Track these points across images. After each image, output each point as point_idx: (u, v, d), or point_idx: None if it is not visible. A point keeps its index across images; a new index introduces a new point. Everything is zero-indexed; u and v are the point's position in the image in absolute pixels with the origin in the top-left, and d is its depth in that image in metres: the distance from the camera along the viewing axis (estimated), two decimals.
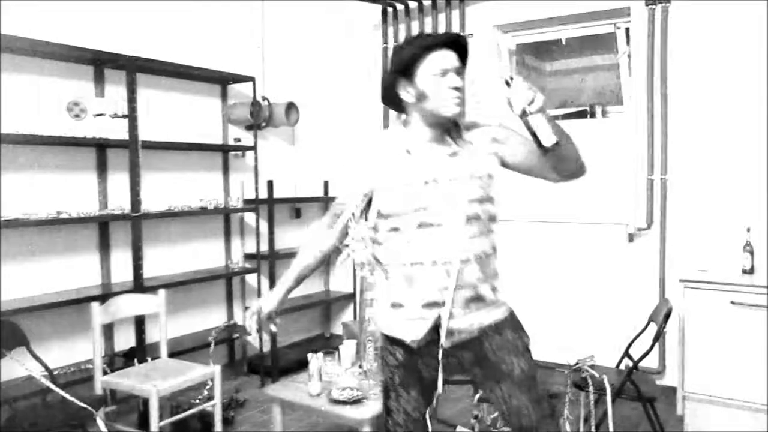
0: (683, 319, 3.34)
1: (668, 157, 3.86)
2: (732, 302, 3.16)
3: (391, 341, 1.92)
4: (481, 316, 1.84)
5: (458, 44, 1.82)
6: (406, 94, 1.82)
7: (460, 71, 1.81)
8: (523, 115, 1.64)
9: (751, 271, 3.36)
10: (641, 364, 2.99)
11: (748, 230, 3.44)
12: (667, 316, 2.94)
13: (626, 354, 3.19)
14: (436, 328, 1.82)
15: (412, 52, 1.78)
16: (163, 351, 3.41)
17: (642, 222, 3.93)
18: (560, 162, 1.76)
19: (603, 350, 3.42)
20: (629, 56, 4.06)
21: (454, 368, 1.92)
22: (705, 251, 3.71)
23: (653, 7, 3.83)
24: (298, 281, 2.04)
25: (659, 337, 2.89)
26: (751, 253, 3.39)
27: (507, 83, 1.66)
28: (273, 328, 2.02)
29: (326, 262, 2.10)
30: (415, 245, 1.80)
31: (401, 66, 1.80)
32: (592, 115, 4.36)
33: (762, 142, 3.56)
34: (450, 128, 1.88)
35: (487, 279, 1.84)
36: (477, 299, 1.83)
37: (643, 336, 3.21)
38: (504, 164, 1.88)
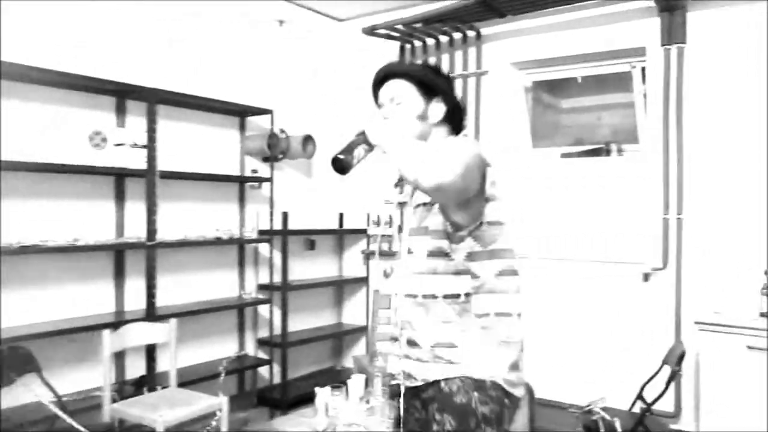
0: (698, 362, 3.28)
1: (684, 196, 3.83)
2: (748, 346, 3.10)
3: None
4: (414, 366, 1.66)
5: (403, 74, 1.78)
6: None
7: (398, 101, 1.75)
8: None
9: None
10: (655, 407, 2.94)
11: (766, 273, 3.39)
12: (681, 358, 2.90)
13: (639, 396, 3.14)
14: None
15: (373, 86, 1.83)
16: (173, 380, 3.42)
17: (658, 261, 3.89)
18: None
19: (615, 392, 3.37)
20: (645, 95, 4.07)
21: (412, 419, 1.72)
22: (721, 292, 3.65)
23: (669, 47, 3.84)
24: None
25: (672, 379, 2.85)
26: None
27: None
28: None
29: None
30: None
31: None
32: (608, 152, 4.35)
33: None
34: None
35: (424, 325, 1.64)
36: (414, 344, 1.66)
37: (657, 378, 3.15)
38: None
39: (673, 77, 3.85)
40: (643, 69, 4.07)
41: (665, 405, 3.62)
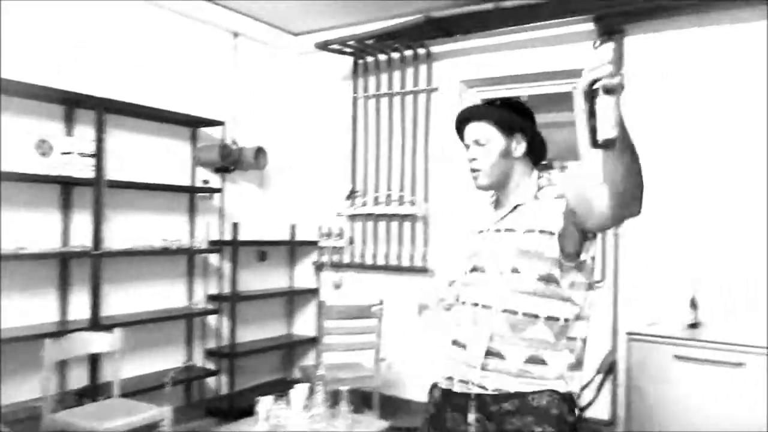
0: (629, 371, 3.41)
1: None
2: (675, 356, 3.25)
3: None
4: (497, 378, 1.75)
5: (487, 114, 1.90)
6: None
7: (482, 142, 1.88)
8: (592, 91, 1.35)
9: (695, 326, 3.47)
10: (592, 415, 3.05)
11: (694, 285, 3.56)
12: (611, 366, 3.02)
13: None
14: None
15: (456, 126, 1.98)
16: (116, 390, 3.40)
17: (596, 275, 4.03)
18: (619, 177, 1.56)
19: None
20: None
21: (454, 424, 1.82)
22: (655, 305, 3.81)
23: None
24: None
25: (601, 387, 2.97)
26: (696, 308, 3.50)
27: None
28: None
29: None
30: (466, 288, 1.89)
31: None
32: (551, 169, 4.49)
33: (710, 200, 3.72)
34: (514, 188, 1.91)
35: (517, 342, 1.74)
36: (495, 355, 1.76)
37: (591, 386, 3.27)
38: (572, 214, 1.73)
39: None
40: None
41: (601, 413, 3.76)
